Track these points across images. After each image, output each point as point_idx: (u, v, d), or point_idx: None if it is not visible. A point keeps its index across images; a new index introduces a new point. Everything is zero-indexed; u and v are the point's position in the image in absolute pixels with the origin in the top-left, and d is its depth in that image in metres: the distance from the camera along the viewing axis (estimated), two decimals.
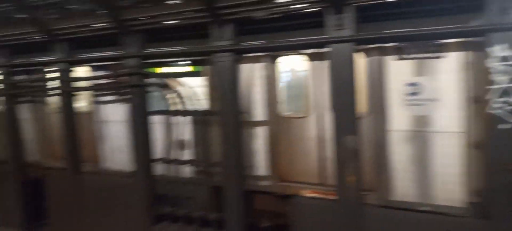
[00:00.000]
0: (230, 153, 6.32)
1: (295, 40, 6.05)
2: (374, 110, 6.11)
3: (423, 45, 5.67)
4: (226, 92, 6.21)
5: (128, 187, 7.56)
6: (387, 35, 5.45)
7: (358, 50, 5.98)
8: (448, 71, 5.58)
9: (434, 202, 5.83)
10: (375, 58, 6.01)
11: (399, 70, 5.89)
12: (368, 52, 6.08)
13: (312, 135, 6.74)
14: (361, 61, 6.18)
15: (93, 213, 8.06)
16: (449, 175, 5.70)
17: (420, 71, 5.77)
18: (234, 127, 6.23)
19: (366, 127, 6.24)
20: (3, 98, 9.00)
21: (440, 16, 5.43)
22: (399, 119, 5.95)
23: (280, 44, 6.22)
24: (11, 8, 7.73)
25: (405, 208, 5.90)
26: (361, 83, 6.42)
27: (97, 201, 7.98)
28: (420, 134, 5.85)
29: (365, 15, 5.75)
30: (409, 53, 5.80)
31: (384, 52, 5.94)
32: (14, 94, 8.98)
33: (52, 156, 9.55)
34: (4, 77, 8.87)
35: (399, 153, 6.00)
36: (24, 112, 9.75)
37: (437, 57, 5.64)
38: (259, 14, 5.63)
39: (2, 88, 8.99)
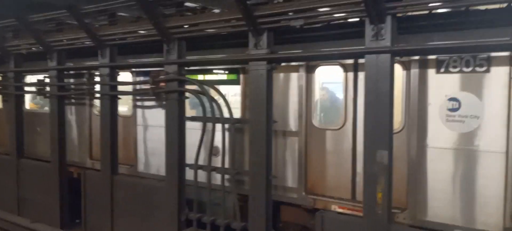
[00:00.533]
0: (258, 162, 6.29)
1: (331, 51, 6.00)
2: (411, 125, 5.91)
3: (468, 58, 5.45)
4: (258, 100, 6.22)
5: (160, 190, 7.68)
6: (428, 46, 5.29)
7: (396, 62, 5.87)
8: (493, 87, 5.31)
9: (470, 225, 5.50)
10: (415, 71, 5.85)
11: (440, 84, 5.68)
12: (407, 64, 5.93)
13: (346, 148, 6.61)
14: (399, 74, 6.04)
15: (126, 214, 8.23)
16: (488, 197, 5.37)
17: (463, 86, 5.54)
18: (264, 136, 6.20)
19: (401, 142, 6.03)
20: (52, 99, 9.49)
21: (488, 28, 5.22)
22: (438, 135, 5.71)
23: (315, 53, 6.21)
24: (63, 15, 8.19)
25: (438, 229, 5.60)
26: (398, 96, 6.26)
27: (130, 203, 8.15)
28: (460, 152, 5.57)
29: (406, 26, 5.63)
30: (451, 67, 5.59)
31: (425, 64, 5.76)
32: (62, 96, 9.44)
33: (91, 157, 9.92)
34: (53, 80, 9.36)
35: (436, 171, 5.74)
36: (69, 113, 10.26)
37: (483, 72, 5.39)
38: (296, 24, 5.63)
39: (51, 90, 9.49)
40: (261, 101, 6.23)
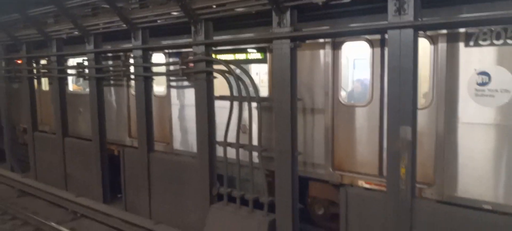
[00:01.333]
0: (283, 139, 6.40)
1: (353, 27, 5.94)
2: (439, 101, 5.79)
3: (499, 30, 5.23)
4: (282, 79, 6.29)
5: (192, 167, 7.99)
6: (453, 20, 5.12)
7: (422, 37, 5.73)
8: None
9: (500, 202, 5.38)
10: (443, 45, 5.69)
11: (469, 58, 5.50)
12: (435, 38, 5.77)
13: (373, 124, 6.57)
14: (426, 48, 5.90)
15: (161, 189, 8.65)
16: None
17: (493, 60, 5.34)
18: (288, 114, 6.29)
19: (429, 118, 5.94)
20: (91, 81, 9.99)
21: None
22: (467, 110, 5.57)
23: (337, 30, 6.15)
24: (97, 0, 8.53)
25: (466, 205, 5.52)
26: (426, 71, 6.13)
27: (165, 178, 8.54)
28: (490, 128, 5.42)
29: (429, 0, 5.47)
30: (481, 40, 5.39)
31: (453, 38, 5.59)
32: (100, 78, 9.91)
33: (130, 135, 10.41)
34: (91, 62, 9.82)
35: (464, 147, 5.62)
36: (109, 94, 10.76)
37: None
38: (318, 0, 5.59)
39: (90, 72, 9.97)
40: (286, 80, 6.30)
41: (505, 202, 5.39)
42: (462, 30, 5.49)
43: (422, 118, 5.94)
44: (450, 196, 5.78)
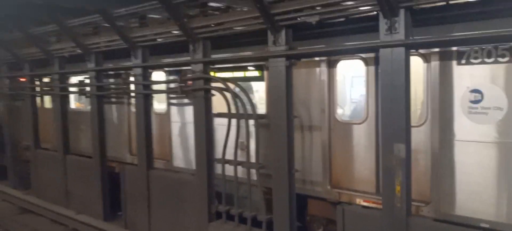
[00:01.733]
0: (279, 156, 6.45)
1: (346, 45, 6.03)
2: (433, 118, 5.82)
3: (490, 48, 5.29)
4: (278, 96, 6.37)
5: (191, 184, 8.03)
6: (444, 39, 5.19)
7: (416, 55, 5.80)
8: None
9: (498, 220, 5.37)
10: (436, 63, 5.75)
11: (461, 76, 5.56)
12: (428, 56, 5.84)
13: (369, 142, 6.60)
14: (420, 66, 5.96)
15: (161, 206, 8.68)
16: None
17: (485, 78, 5.39)
18: (285, 131, 6.35)
19: (424, 136, 5.97)
20: (92, 98, 10.11)
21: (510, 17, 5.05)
22: (460, 128, 5.60)
23: (330, 49, 6.25)
24: (98, 19, 8.70)
25: (464, 223, 5.51)
26: (420, 89, 6.18)
27: (165, 195, 8.58)
28: (484, 145, 5.44)
29: (423, 18, 5.55)
30: (473, 58, 5.45)
31: (445, 56, 5.65)
32: (100, 95, 10.03)
33: (131, 152, 10.47)
34: (92, 80, 9.95)
35: (459, 165, 5.63)
36: (110, 112, 10.86)
37: (505, 62, 5.21)
38: (311, 20, 5.70)
39: (91, 90, 10.10)
40: (281, 97, 6.37)
41: (502, 220, 5.38)
42: (454, 48, 5.55)
43: (417, 135, 5.97)
44: (447, 213, 5.76)
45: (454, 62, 5.59)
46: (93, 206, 10.24)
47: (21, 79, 12.93)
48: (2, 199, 12.73)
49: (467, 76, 5.49)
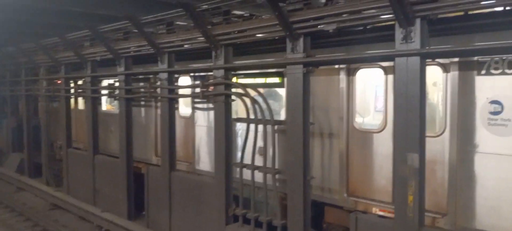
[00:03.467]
0: (295, 162, 6.51)
1: (362, 54, 6.04)
2: (452, 129, 5.74)
3: (511, 59, 5.18)
4: (295, 103, 6.44)
5: (210, 187, 8.20)
6: (461, 49, 5.12)
7: (434, 64, 5.75)
8: None
9: None
10: (455, 73, 5.68)
11: (481, 87, 5.46)
12: (447, 66, 5.77)
13: (386, 150, 6.55)
14: (439, 76, 5.90)
15: (181, 208, 8.89)
16: None
17: (505, 89, 5.27)
18: (301, 137, 6.41)
19: (441, 146, 5.88)
20: (120, 101, 10.51)
21: None
22: (480, 139, 5.49)
23: (347, 57, 6.27)
24: (128, 25, 9.07)
25: None
26: (438, 99, 6.11)
27: (185, 197, 8.79)
28: (504, 157, 5.30)
29: (441, 28, 5.51)
30: (493, 68, 5.35)
31: (465, 66, 5.57)
32: (129, 98, 10.41)
33: (157, 154, 10.78)
34: (121, 83, 10.35)
35: (478, 177, 5.51)
36: (139, 115, 11.24)
37: None
38: (329, 28, 5.76)
39: (119, 93, 10.50)
40: (298, 104, 6.44)
41: None
42: (474, 58, 5.47)
43: (435, 145, 5.90)
44: (463, 227, 5.65)
45: (474, 73, 5.51)
46: (118, 205, 10.59)
47: (58, 82, 13.58)
48: (35, 195, 13.35)
49: (487, 87, 5.39)
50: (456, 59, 5.62)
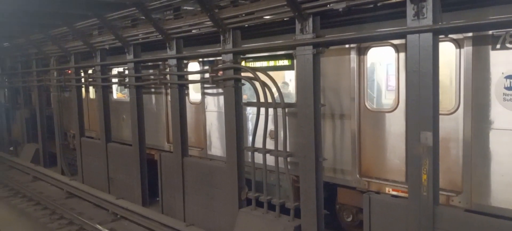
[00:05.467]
0: (307, 144, 6.47)
1: (371, 32, 5.92)
2: (466, 106, 5.63)
3: None
4: (305, 84, 6.37)
5: (222, 171, 8.22)
6: (474, 23, 4.96)
7: (447, 40, 5.63)
8: None
9: None
10: (469, 48, 5.55)
11: (496, 62, 5.33)
12: (460, 42, 5.63)
13: (399, 130, 6.48)
14: (451, 52, 5.77)
15: (194, 193, 8.95)
16: None
17: None
18: (312, 119, 6.35)
19: (455, 123, 5.79)
20: (131, 89, 10.53)
21: None
22: (494, 116, 5.38)
23: (357, 36, 6.15)
24: (135, 12, 9.02)
25: (498, 214, 5.30)
26: (451, 76, 5.99)
27: (198, 182, 8.84)
28: None
29: (454, 2, 5.37)
30: (508, 42, 5.21)
31: (479, 41, 5.43)
32: (139, 86, 10.42)
33: (169, 141, 10.83)
34: (130, 71, 10.36)
35: (493, 153, 5.42)
36: (149, 102, 11.28)
37: None
38: (338, 6, 5.65)
39: (129, 81, 10.51)
40: (308, 85, 6.37)
41: None
42: (489, 32, 5.32)
43: (448, 123, 5.81)
44: (479, 204, 5.58)
45: (489, 47, 5.37)
46: (132, 192, 10.71)
47: (69, 71, 13.66)
48: (51, 184, 13.55)
49: (502, 61, 5.26)
50: (470, 34, 5.48)
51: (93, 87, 13.08)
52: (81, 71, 13.08)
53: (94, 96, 13.58)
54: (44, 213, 10.96)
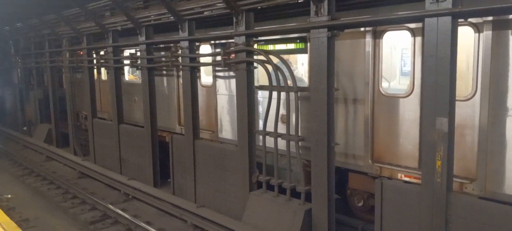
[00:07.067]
0: (319, 129, 6.42)
1: (389, 15, 5.79)
2: (483, 92, 5.52)
3: None
4: (319, 68, 6.29)
5: (233, 154, 8.22)
6: (496, 6, 4.82)
7: (466, 24, 5.49)
8: None
9: None
10: (488, 33, 5.41)
11: None
12: (480, 26, 5.50)
13: (413, 116, 6.39)
14: (470, 37, 5.64)
15: (205, 175, 8.99)
16: None
17: None
18: (325, 104, 6.30)
19: (471, 110, 5.68)
20: (143, 71, 10.54)
21: None
22: None
23: (372, 19, 6.04)
24: None
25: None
26: (469, 61, 5.86)
27: (209, 164, 8.87)
28: None
29: None
30: None
31: (500, 25, 5.29)
32: (151, 68, 10.42)
33: (180, 123, 10.86)
34: (142, 53, 10.35)
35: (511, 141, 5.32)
36: (161, 84, 11.28)
37: None
38: None
39: (141, 63, 10.51)
40: (322, 69, 6.30)
41: None
42: (509, 16, 5.18)
43: (465, 109, 5.71)
44: (493, 192, 5.51)
45: (509, 32, 5.24)
46: (144, 173, 10.80)
47: (81, 53, 13.71)
48: (64, 164, 13.74)
49: None
50: (489, 18, 5.34)
51: (105, 69, 13.11)
52: (93, 52, 13.11)
53: (106, 78, 13.63)
54: (58, 192, 11.14)
